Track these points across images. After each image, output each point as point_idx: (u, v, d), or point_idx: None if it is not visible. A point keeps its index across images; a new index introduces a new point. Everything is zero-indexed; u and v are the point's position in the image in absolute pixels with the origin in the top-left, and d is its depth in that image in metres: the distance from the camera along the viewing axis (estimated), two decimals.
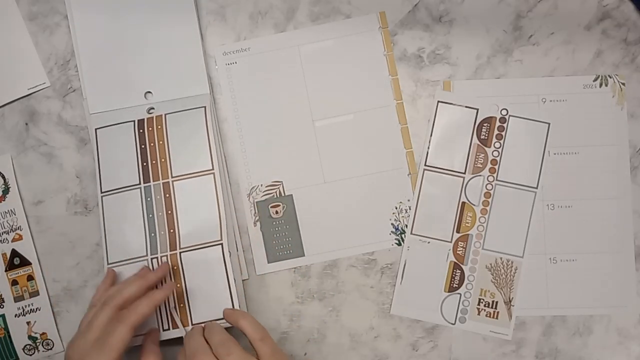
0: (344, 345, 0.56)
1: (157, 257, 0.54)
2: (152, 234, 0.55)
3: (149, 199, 0.55)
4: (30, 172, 0.57)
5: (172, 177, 0.55)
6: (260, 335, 0.47)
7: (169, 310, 0.54)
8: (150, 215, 0.55)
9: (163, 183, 0.55)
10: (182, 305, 0.53)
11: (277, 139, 0.57)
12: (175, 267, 0.54)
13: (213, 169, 0.55)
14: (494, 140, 0.57)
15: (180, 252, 0.54)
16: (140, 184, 0.55)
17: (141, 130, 0.56)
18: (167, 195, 0.55)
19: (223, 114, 0.57)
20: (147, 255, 0.54)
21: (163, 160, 0.55)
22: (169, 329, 0.53)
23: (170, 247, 0.54)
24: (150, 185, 0.55)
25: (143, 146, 0.56)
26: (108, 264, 0.54)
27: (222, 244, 0.54)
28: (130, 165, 0.55)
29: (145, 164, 0.55)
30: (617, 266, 0.56)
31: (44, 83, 0.57)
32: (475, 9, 0.57)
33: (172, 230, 0.55)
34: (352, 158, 0.57)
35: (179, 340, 0.53)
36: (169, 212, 0.55)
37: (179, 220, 0.55)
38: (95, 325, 0.46)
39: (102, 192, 0.55)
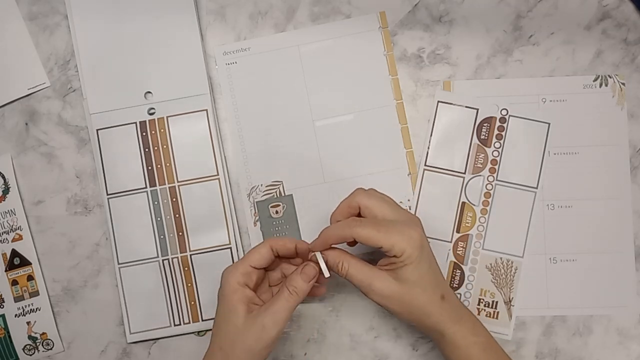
0: (344, 345, 0.56)
1: (168, 259, 0.55)
2: (162, 236, 0.55)
3: (156, 202, 0.56)
4: (30, 172, 0.57)
5: (177, 181, 0.56)
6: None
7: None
8: (159, 219, 0.55)
9: (169, 187, 0.56)
10: (193, 303, 0.55)
11: (277, 139, 0.57)
12: (186, 268, 0.55)
13: (218, 174, 0.56)
14: (494, 140, 0.57)
15: (190, 255, 0.55)
16: (146, 187, 0.56)
17: (144, 133, 0.56)
18: (174, 200, 0.55)
19: (223, 114, 0.57)
20: (158, 256, 0.55)
21: (168, 164, 0.56)
22: (180, 324, 0.55)
23: (181, 250, 0.55)
24: (156, 189, 0.56)
25: (147, 149, 0.56)
26: (118, 264, 0.55)
27: (230, 248, 0.55)
28: (135, 169, 0.56)
29: (150, 167, 0.56)
30: (617, 266, 0.56)
31: (44, 83, 0.57)
32: (475, 9, 0.57)
33: (180, 233, 0.55)
34: (352, 158, 0.57)
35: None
36: (177, 215, 0.55)
37: (187, 225, 0.56)
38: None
39: (108, 194, 0.56)
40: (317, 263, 0.47)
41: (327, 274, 0.47)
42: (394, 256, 0.45)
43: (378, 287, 0.46)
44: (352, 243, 0.51)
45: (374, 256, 0.54)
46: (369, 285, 0.46)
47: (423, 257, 0.46)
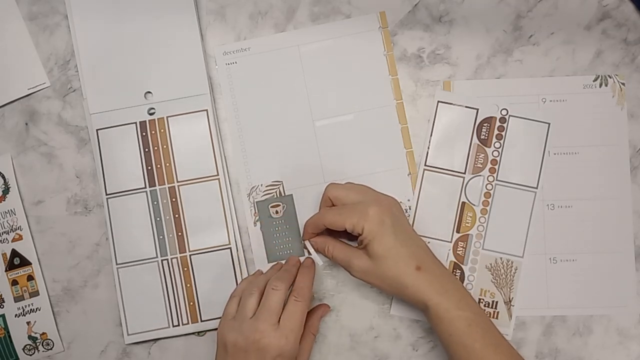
0: (344, 345, 0.56)
1: (167, 259, 0.55)
2: (161, 237, 0.55)
3: (155, 202, 0.55)
4: (30, 172, 0.57)
5: (177, 181, 0.56)
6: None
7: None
8: (158, 219, 0.55)
9: (169, 187, 0.56)
10: (192, 303, 0.55)
11: (277, 139, 0.57)
12: (185, 269, 0.55)
13: (218, 174, 0.56)
14: (494, 140, 0.57)
15: (190, 255, 0.55)
16: (146, 187, 0.56)
17: (144, 133, 0.56)
18: (174, 200, 0.55)
19: (223, 114, 0.57)
20: (157, 257, 0.55)
21: (168, 164, 0.56)
22: (179, 324, 0.55)
23: (180, 250, 0.55)
24: (156, 189, 0.56)
25: (147, 150, 0.56)
26: (117, 264, 0.55)
27: (230, 248, 0.55)
28: (135, 169, 0.56)
29: (150, 167, 0.56)
30: (617, 266, 0.56)
31: (44, 83, 0.57)
32: (475, 9, 0.57)
33: (180, 234, 0.55)
34: (352, 158, 0.57)
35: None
36: (176, 215, 0.55)
37: (187, 225, 0.56)
38: (272, 308, 0.48)
39: (107, 194, 0.56)
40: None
41: (319, 262, 0.54)
42: (359, 234, 0.49)
43: (356, 264, 0.50)
44: (349, 235, 0.54)
45: None
46: (349, 264, 0.51)
47: (385, 231, 0.49)
